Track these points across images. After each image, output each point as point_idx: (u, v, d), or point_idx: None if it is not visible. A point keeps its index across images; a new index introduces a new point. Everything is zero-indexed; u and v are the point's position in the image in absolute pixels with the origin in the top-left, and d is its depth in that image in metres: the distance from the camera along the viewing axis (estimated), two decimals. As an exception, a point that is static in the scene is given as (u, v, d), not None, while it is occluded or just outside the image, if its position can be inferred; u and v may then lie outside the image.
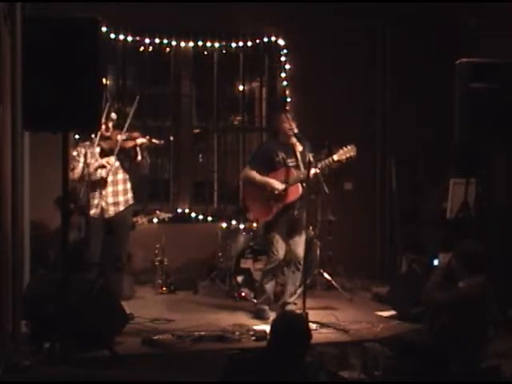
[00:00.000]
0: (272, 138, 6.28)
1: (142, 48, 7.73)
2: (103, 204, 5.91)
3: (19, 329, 4.90)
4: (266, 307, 6.08)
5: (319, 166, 5.84)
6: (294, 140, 5.97)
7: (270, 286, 6.14)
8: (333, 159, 5.86)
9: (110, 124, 5.92)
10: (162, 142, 6.11)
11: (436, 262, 6.08)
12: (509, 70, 5.55)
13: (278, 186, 5.95)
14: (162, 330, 5.51)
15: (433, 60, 7.69)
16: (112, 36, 7.50)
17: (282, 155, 5.99)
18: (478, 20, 7.16)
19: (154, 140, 5.95)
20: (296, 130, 5.94)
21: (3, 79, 4.70)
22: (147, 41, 7.66)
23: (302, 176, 5.88)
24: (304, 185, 5.92)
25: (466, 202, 6.00)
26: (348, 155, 5.86)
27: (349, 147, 5.87)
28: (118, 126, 6.11)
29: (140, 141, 5.88)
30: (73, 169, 5.82)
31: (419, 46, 7.83)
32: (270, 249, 6.05)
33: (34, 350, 4.69)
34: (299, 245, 6.04)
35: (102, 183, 5.92)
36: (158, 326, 5.67)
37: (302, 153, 5.95)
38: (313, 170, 5.75)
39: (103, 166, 5.89)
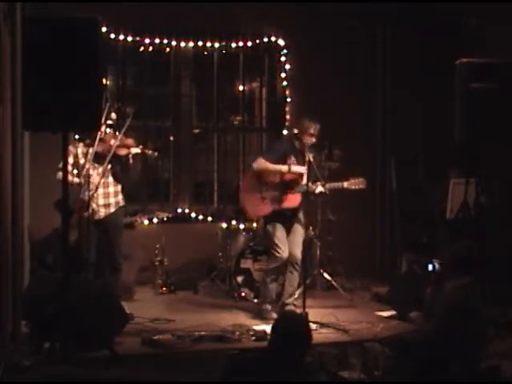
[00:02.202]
0: (289, 140, 6.28)
1: (142, 48, 7.72)
2: (94, 206, 5.87)
3: (19, 329, 4.90)
4: (269, 307, 6.08)
5: (327, 186, 6.03)
6: (307, 150, 5.98)
7: (273, 286, 6.14)
8: (342, 185, 6.07)
9: (107, 123, 5.89)
10: (156, 153, 6.11)
11: (430, 267, 6.10)
12: (509, 69, 5.56)
13: (299, 168, 5.99)
14: (162, 330, 5.51)
15: (433, 60, 7.68)
16: (112, 36, 7.49)
17: (293, 161, 6.03)
18: (477, 20, 7.16)
19: (146, 151, 5.95)
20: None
21: (3, 79, 4.69)
22: (147, 41, 7.66)
23: (306, 188, 5.89)
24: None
25: (466, 201, 6.00)
26: (357, 186, 6.09)
27: (360, 179, 6.09)
28: (117, 127, 6.10)
29: (134, 150, 5.87)
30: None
31: (419, 46, 7.82)
32: (272, 248, 6.03)
33: (34, 350, 4.69)
34: (297, 245, 6.05)
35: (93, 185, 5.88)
36: (158, 326, 5.67)
37: (308, 162, 5.95)
38: (319, 189, 5.97)
39: (94, 168, 5.88)
